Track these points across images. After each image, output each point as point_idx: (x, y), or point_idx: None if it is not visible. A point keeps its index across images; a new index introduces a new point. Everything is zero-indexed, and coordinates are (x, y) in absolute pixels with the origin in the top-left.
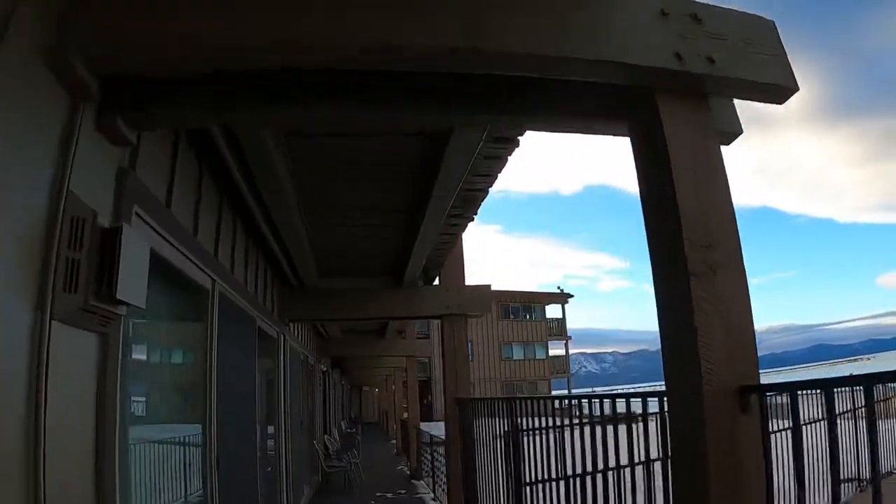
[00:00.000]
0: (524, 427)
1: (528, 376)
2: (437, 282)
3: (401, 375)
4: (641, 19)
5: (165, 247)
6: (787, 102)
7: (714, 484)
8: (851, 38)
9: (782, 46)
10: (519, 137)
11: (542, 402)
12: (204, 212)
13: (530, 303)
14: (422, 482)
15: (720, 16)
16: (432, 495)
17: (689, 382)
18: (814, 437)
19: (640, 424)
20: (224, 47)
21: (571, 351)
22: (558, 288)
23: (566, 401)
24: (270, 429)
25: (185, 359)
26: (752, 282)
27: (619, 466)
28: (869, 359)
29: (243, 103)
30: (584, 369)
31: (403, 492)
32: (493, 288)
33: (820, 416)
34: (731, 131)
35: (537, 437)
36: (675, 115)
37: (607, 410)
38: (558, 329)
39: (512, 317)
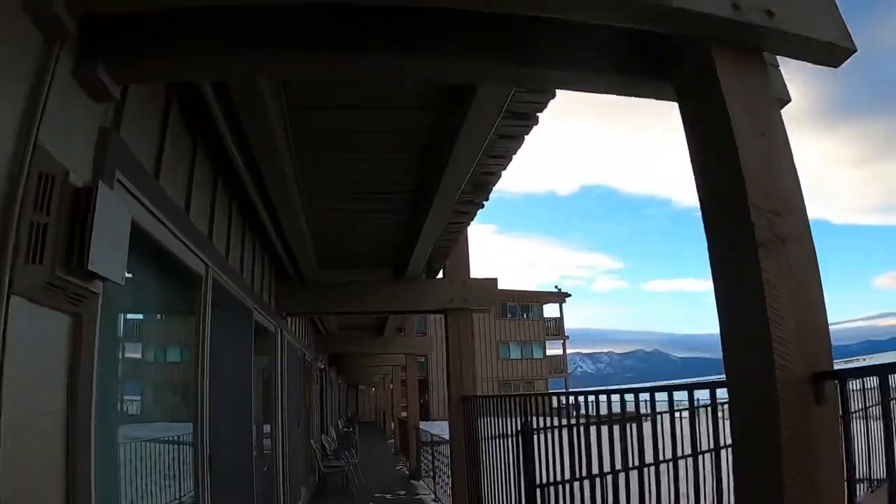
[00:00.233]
0: (537, 426)
1: (526, 376)
2: (440, 275)
3: (398, 374)
4: None
5: (153, 223)
6: (785, 106)
7: (789, 487)
8: (853, 37)
9: (836, 4)
10: (538, 114)
11: (557, 398)
12: (197, 189)
13: (528, 302)
14: (422, 482)
15: None
16: (433, 496)
17: (756, 370)
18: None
19: (663, 421)
20: None
21: (567, 351)
22: (556, 287)
23: (581, 397)
24: (267, 427)
25: (175, 351)
26: None
27: (643, 464)
28: (864, 359)
29: (241, 50)
30: (579, 369)
31: (403, 493)
32: None
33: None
34: (781, 98)
35: (547, 436)
36: (733, 71)
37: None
38: (556, 329)
39: (509, 316)
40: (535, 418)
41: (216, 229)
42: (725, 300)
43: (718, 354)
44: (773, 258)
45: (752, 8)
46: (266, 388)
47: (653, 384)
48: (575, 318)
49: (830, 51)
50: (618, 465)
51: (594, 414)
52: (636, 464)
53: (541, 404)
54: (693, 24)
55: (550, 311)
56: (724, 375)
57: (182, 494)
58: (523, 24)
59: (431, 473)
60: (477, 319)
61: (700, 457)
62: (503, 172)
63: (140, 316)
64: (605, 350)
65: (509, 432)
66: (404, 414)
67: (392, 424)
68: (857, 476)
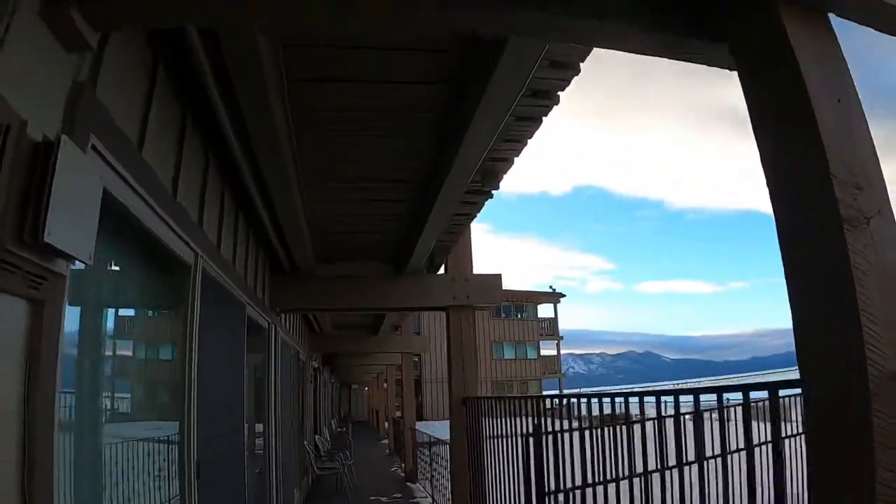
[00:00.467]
0: (547, 429)
1: (520, 376)
2: (441, 271)
3: (393, 373)
4: None
5: (136, 202)
6: None
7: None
8: (849, 42)
9: None
10: (560, 93)
11: (568, 400)
12: (187, 169)
13: (522, 302)
14: (418, 485)
15: None
16: (430, 500)
17: (842, 366)
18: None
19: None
20: None
21: (560, 351)
22: (550, 287)
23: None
24: (259, 428)
25: (161, 346)
26: (738, 286)
27: (665, 467)
28: None
29: None
30: (571, 370)
31: (399, 496)
32: None
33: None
34: None
35: (557, 440)
36: (804, 31)
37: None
38: (550, 329)
39: (503, 316)
40: (544, 420)
41: (207, 215)
42: (801, 288)
43: (709, 356)
44: (860, 238)
45: None
46: (259, 387)
47: (673, 386)
48: (567, 318)
49: None
50: (631, 469)
51: (595, 415)
52: (656, 467)
53: (546, 406)
54: None
55: (544, 311)
56: (722, 376)
57: (165, 501)
58: None
59: (428, 476)
60: None
61: (728, 457)
62: (516, 159)
63: (122, 306)
64: (598, 351)
65: (516, 436)
66: (398, 414)
67: (386, 424)
68: None
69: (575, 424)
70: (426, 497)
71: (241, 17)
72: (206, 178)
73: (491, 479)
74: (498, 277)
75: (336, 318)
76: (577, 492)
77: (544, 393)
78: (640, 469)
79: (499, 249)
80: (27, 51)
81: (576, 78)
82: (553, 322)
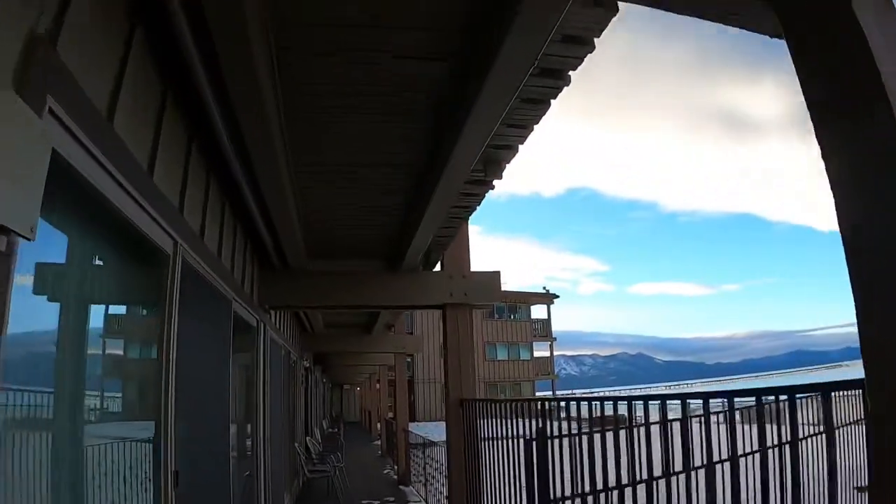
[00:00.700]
0: (552, 433)
1: (512, 377)
2: (437, 268)
3: (385, 374)
4: None
5: (105, 179)
6: (771, 108)
7: None
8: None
9: None
10: (571, 72)
11: (576, 404)
12: (166, 148)
13: (515, 303)
14: (411, 488)
15: None
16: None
17: None
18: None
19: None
20: None
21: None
22: (544, 288)
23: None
24: (247, 429)
25: (136, 343)
26: (731, 288)
27: (672, 472)
28: (848, 365)
29: None
30: (563, 371)
31: (392, 499)
32: None
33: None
34: None
35: (563, 444)
36: None
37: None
38: (543, 330)
39: (497, 317)
40: (549, 423)
41: (189, 202)
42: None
43: (701, 358)
44: None
45: None
46: (247, 387)
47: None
48: (559, 320)
49: None
50: (638, 475)
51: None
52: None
53: (548, 408)
54: None
55: (538, 312)
56: (714, 378)
57: None
58: None
59: (422, 479)
60: None
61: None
62: (521, 146)
63: (91, 298)
64: (590, 353)
65: (517, 440)
66: (391, 415)
67: (378, 425)
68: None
69: (574, 427)
70: (420, 501)
71: None
72: (188, 161)
73: (490, 483)
74: (497, 275)
75: (328, 317)
76: (586, 499)
77: (539, 395)
78: (649, 474)
79: (491, 251)
80: None
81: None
82: (546, 323)
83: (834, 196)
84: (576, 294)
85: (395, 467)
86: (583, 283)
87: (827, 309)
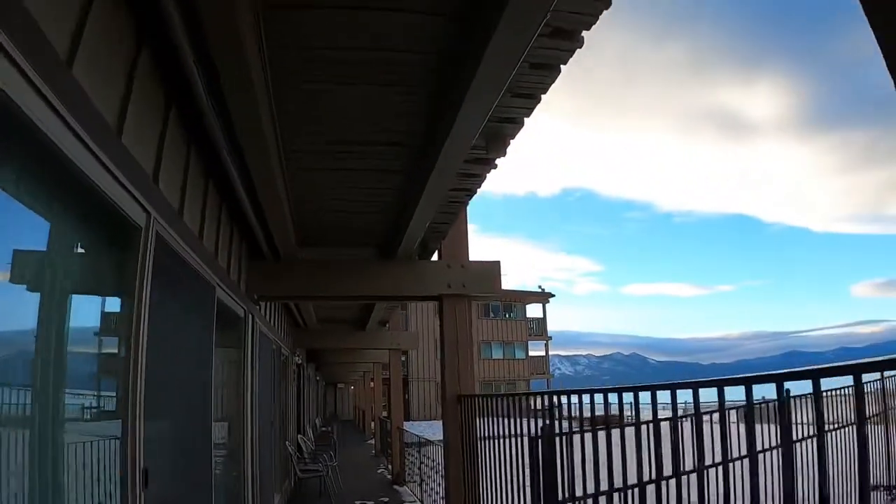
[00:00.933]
0: (560, 429)
1: (507, 376)
2: (434, 258)
3: (380, 371)
4: None
5: (62, 131)
6: (766, 109)
7: None
8: (833, 49)
9: None
10: (584, 33)
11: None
12: (138, 108)
13: (511, 301)
14: (406, 488)
15: None
16: None
17: None
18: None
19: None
20: None
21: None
22: (539, 287)
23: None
24: (232, 427)
25: (98, 327)
26: (725, 289)
27: (703, 466)
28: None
29: None
30: (557, 371)
31: (386, 499)
32: None
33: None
34: None
35: (571, 442)
36: None
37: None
38: (538, 329)
39: (492, 315)
40: (558, 420)
41: (166, 171)
42: None
43: (696, 359)
44: None
45: None
46: (233, 381)
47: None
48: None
49: None
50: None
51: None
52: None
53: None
54: None
55: (533, 311)
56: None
57: None
58: None
59: (417, 479)
60: None
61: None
62: (527, 120)
63: (47, 276)
64: (584, 353)
65: (520, 437)
66: (385, 413)
67: (372, 424)
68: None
69: (579, 425)
70: (415, 501)
71: None
72: (165, 125)
73: (490, 483)
74: (496, 265)
75: (321, 311)
76: (591, 500)
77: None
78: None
79: (485, 250)
80: None
81: (563, 78)
82: (542, 322)
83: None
84: (571, 294)
85: (390, 467)
86: (577, 284)
87: (821, 310)
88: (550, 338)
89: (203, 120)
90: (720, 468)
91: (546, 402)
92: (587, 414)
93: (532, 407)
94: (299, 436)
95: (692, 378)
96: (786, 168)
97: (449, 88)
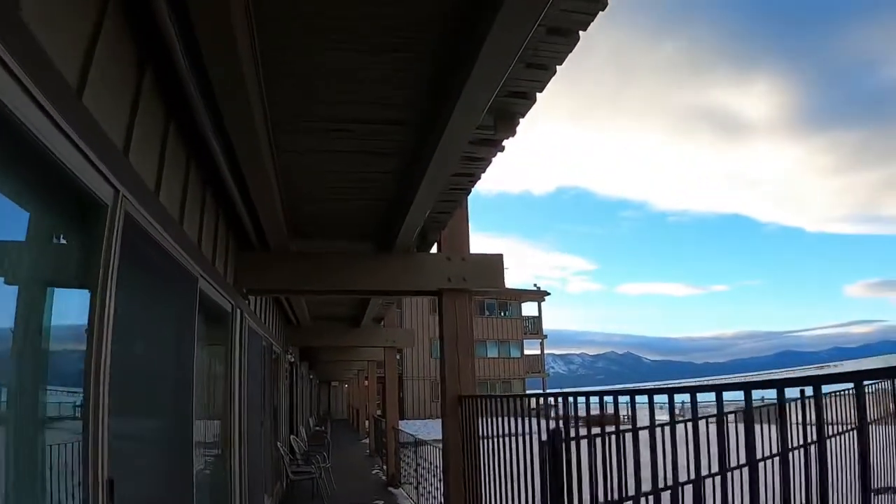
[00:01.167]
0: (570, 434)
1: (502, 375)
2: (433, 251)
3: (374, 370)
4: None
5: (10, 87)
6: (762, 109)
7: None
8: (827, 49)
9: None
10: None
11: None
12: (104, 66)
13: (505, 299)
14: (401, 490)
15: None
16: None
17: None
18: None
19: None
20: None
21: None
22: (534, 285)
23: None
24: (218, 429)
25: (56, 317)
26: (719, 289)
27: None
28: (836, 366)
29: None
30: (552, 370)
31: (381, 502)
32: None
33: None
34: None
35: (580, 447)
36: None
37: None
38: (534, 327)
39: (487, 314)
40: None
41: (139, 142)
42: None
43: (690, 358)
44: None
45: None
46: (219, 378)
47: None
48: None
49: None
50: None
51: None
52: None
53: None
54: None
55: (528, 309)
56: (703, 378)
57: None
58: None
59: (414, 480)
60: None
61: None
62: (539, 95)
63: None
64: (578, 351)
65: (525, 441)
66: (379, 412)
67: (366, 423)
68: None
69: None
70: None
71: None
72: (138, 94)
73: (492, 488)
74: (499, 258)
75: (314, 308)
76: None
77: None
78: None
79: (479, 249)
80: None
81: (557, 77)
82: (537, 321)
83: None
84: (564, 293)
85: (384, 468)
86: (571, 282)
87: (815, 310)
88: (546, 336)
89: (184, 89)
90: (744, 470)
91: (554, 404)
92: (584, 415)
93: (536, 406)
94: (292, 436)
95: (688, 377)
96: (780, 168)
97: (455, 59)
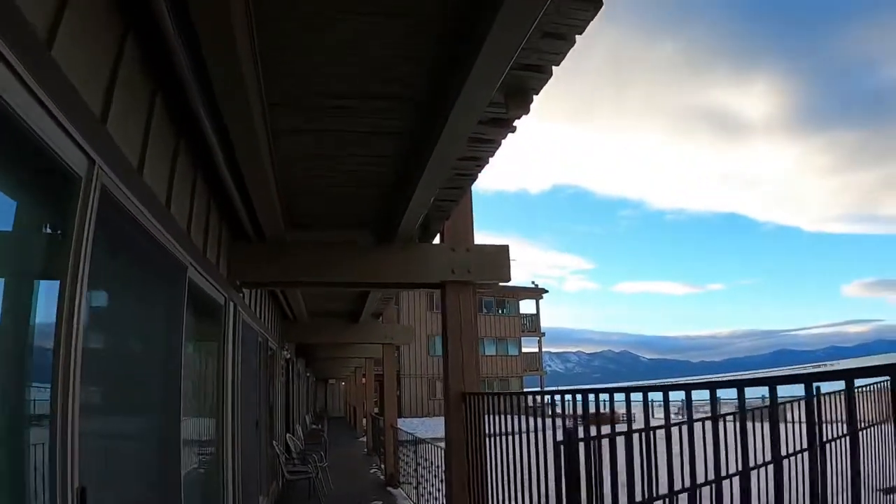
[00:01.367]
0: (590, 434)
1: (500, 373)
2: (436, 241)
3: (372, 367)
4: None
5: None
6: (760, 109)
7: None
8: (827, 49)
9: None
10: None
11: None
12: (79, 28)
13: (504, 297)
14: (400, 490)
15: None
16: None
17: None
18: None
19: None
20: None
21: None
22: (532, 283)
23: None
24: (210, 427)
25: (15, 297)
26: (716, 288)
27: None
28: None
29: None
30: (549, 368)
31: (380, 503)
32: None
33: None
34: None
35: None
36: None
37: None
38: (532, 325)
39: (485, 311)
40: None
41: (118, 115)
42: None
43: (686, 356)
44: None
45: None
46: (210, 375)
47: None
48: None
49: None
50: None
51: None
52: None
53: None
54: None
55: (526, 307)
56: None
57: None
58: None
59: (413, 480)
60: None
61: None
62: (555, 68)
63: None
64: (575, 350)
65: (534, 440)
66: (377, 410)
67: (364, 421)
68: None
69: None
70: None
71: None
72: (120, 54)
73: (499, 490)
74: (505, 249)
75: (311, 303)
76: None
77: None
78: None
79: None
80: None
81: (553, 76)
82: (535, 318)
83: None
84: (561, 291)
85: (383, 467)
86: (568, 281)
87: (811, 309)
88: (544, 334)
89: (173, 60)
90: (769, 468)
91: (567, 401)
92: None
93: (542, 404)
94: (288, 435)
95: (685, 376)
96: (778, 167)
97: (466, 24)
